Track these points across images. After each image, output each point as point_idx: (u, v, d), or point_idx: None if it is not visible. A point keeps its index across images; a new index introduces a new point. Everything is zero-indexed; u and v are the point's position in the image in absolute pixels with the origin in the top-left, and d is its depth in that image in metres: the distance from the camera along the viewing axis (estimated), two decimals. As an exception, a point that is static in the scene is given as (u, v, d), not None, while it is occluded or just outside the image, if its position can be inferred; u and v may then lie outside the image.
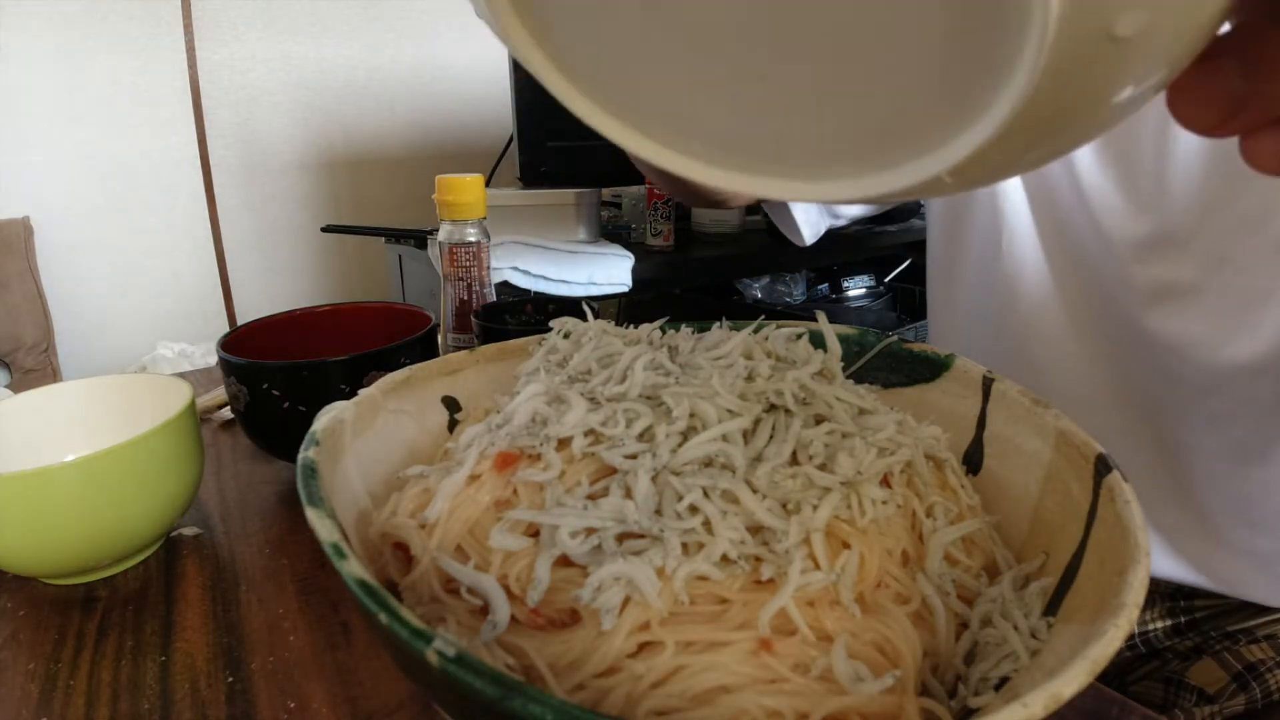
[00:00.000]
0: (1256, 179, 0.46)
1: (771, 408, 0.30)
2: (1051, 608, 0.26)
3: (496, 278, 1.07)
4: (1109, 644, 0.19)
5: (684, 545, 0.25)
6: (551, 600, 0.25)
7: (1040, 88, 0.13)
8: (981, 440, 0.34)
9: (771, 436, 0.29)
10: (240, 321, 0.77)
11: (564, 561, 0.25)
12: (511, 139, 1.41)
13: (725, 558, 0.25)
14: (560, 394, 0.31)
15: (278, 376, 0.47)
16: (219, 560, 0.44)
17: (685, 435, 0.28)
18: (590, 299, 0.46)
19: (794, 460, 0.28)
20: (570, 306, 0.41)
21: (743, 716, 0.22)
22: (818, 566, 0.25)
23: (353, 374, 0.47)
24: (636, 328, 0.36)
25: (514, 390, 0.33)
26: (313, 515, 0.23)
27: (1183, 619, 0.57)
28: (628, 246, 1.37)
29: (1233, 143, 0.17)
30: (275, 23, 1.59)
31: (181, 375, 0.60)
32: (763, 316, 0.37)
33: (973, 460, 0.34)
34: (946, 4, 0.13)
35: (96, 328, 1.56)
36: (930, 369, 0.37)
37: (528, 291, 1.21)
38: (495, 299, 0.61)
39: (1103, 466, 0.27)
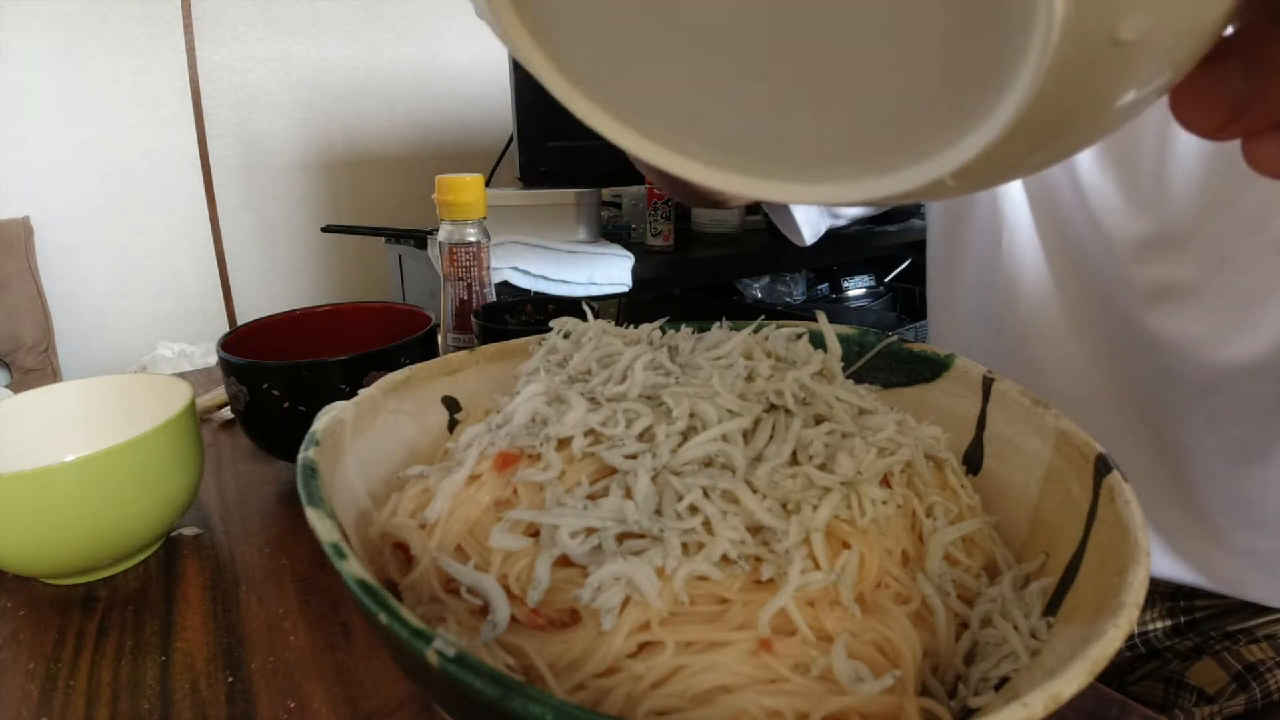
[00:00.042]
0: (1256, 179, 0.46)
1: (771, 408, 0.30)
2: (1051, 608, 0.26)
3: (496, 278, 1.07)
4: (1109, 644, 0.19)
5: (684, 545, 0.25)
6: (551, 600, 0.25)
7: (1044, 91, 0.13)
8: (981, 440, 0.34)
9: (771, 436, 0.29)
10: (240, 321, 0.77)
11: (564, 561, 0.25)
12: (511, 139, 1.41)
13: (725, 558, 0.25)
14: (560, 394, 0.31)
15: (278, 376, 0.47)
16: (219, 560, 0.44)
17: (685, 435, 0.28)
18: (590, 299, 0.46)
19: (794, 460, 0.28)
20: (570, 306, 0.41)
21: (743, 716, 0.22)
22: (818, 566, 0.25)
23: (353, 374, 0.47)
24: (636, 328, 0.36)
25: (514, 390, 0.33)
26: (313, 515, 0.23)
27: (1183, 619, 0.57)
28: (628, 246, 1.37)
29: (1233, 143, 0.17)
30: (275, 23, 1.59)
31: (181, 375, 0.60)
32: (763, 316, 0.37)
33: (973, 460, 0.34)
34: (950, 6, 0.13)
35: (96, 328, 1.56)
36: (930, 369, 0.37)
37: (528, 291, 1.21)
38: (495, 299, 0.61)
39: (1103, 466, 0.27)
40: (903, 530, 0.28)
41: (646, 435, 0.28)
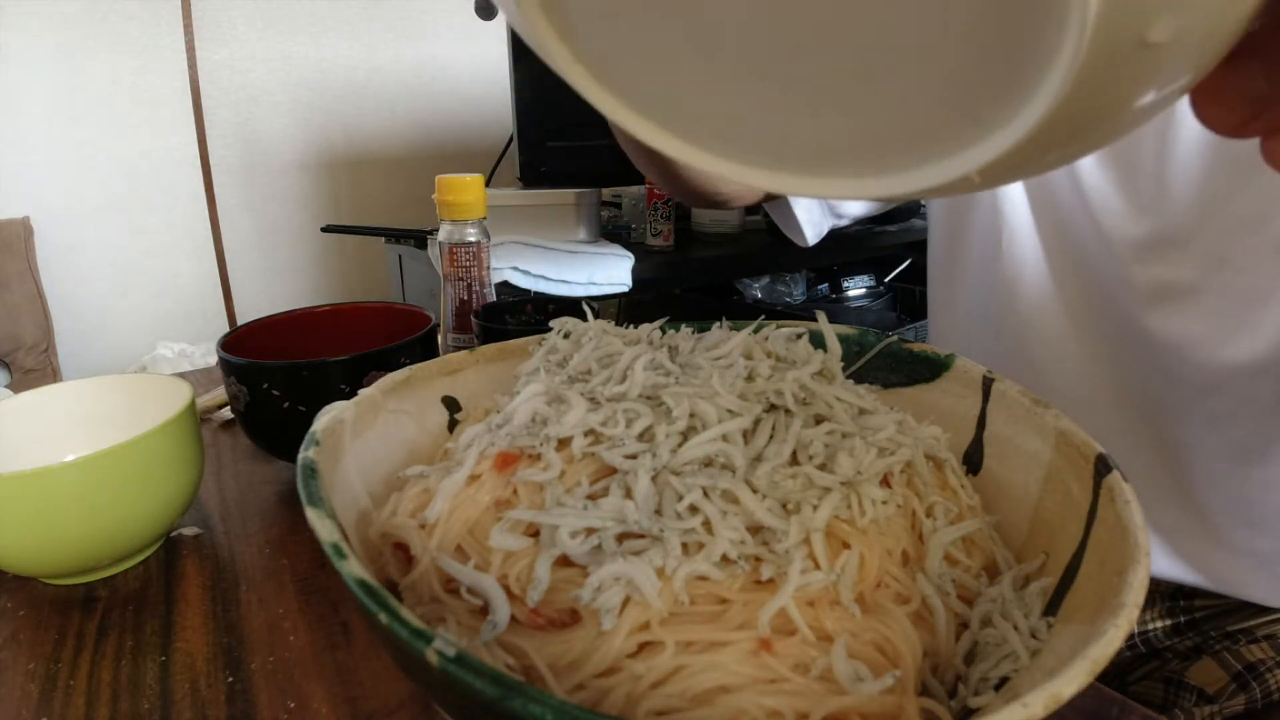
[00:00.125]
0: (1256, 179, 0.46)
1: (771, 408, 0.30)
2: (1051, 608, 0.26)
3: (496, 278, 1.07)
4: (1109, 644, 0.19)
5: (684, 545, 0.25)
6: (551, 600, 0.25)
7: (1072, 92, 0.13)
8: (981, 440, 0.34)
9: (771, 436, 0.29)
10: (240, 321, 0.77)
11: (564, 561, 0.25)
12: (511, 139, 1.41)
13: (725, 558, 0.25)
14: (560, 394, 0.31)
15: (278, 376, 0.47)
16: (219, 560, 0.44)
17: (685, 435, 0.28)
18: (590, 299, 0.46)
19: (794, 460, 0.28)
20: (570, 306, 0.41)
21: (743, 716, 0.22)
22: (818, 566, 0.25)
23: (353, 374, 0.47)
24: (636, 328, 0.36)
25: (514, 390, 0.33)
26: (313, 515, 0.23)
27: (1182, 619, 0.57)
28: (628, 246, 1.37)
29: (1233, 143, 0.17)
30: (275, 23, 1.59)
31: (181, 375, 0.60)
32: (763, 316, 0.37)
33: (973, 460, 0.34)
34: (983, 6, 0.14)
35: (96, 328, 1.56)
36: (930, 369, 0.37)
37: (528, 291, 1.21)
38: (495, 299, 0.61)
39: (1103, 466, 0.27)
40: (903, 530, 0.28)
41: (646, 435, 0.28)
